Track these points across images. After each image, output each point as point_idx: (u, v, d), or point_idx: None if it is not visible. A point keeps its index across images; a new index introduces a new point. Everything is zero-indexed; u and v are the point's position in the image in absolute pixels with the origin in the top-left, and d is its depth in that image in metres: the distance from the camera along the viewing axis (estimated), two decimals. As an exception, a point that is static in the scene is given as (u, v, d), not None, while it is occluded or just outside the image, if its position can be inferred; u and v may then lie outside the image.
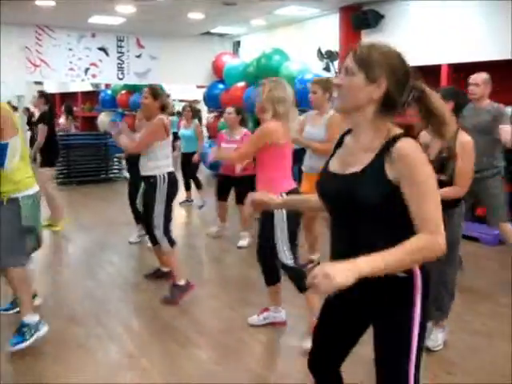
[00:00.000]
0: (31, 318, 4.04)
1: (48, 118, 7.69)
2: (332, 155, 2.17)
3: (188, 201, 9.80)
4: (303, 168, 5.62)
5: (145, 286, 5.53)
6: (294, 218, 4.00)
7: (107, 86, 16.65)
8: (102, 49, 12.65)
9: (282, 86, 4.03)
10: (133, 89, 14.27)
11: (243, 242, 6.85)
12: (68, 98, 18.33)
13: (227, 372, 3.72)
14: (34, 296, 4.70)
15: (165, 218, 5.02)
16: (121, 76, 12.97)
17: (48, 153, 7.65)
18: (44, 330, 4.11)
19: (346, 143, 2.13)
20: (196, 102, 15.35)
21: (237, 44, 13.88)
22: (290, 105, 4.06)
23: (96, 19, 11.21)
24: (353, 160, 2.00)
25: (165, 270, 5.56)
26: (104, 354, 4.04)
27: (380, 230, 1.94)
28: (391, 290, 1.97)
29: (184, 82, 14.47)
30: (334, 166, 2.09)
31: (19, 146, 4.01)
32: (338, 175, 2.03)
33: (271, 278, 4.27)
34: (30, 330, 4.02)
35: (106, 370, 3.76)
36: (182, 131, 9.41)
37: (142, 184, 5.24)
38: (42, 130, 7.53)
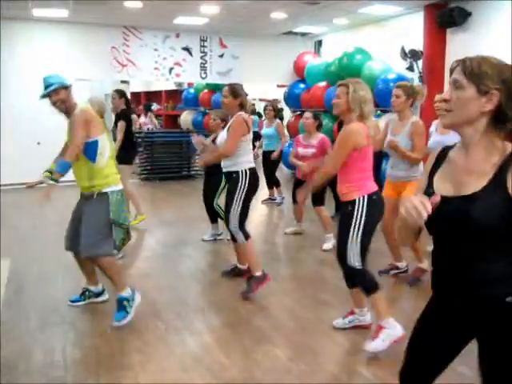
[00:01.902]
0: (126, 291, 4.39)
1: (126, 116, 7.87)
2: (432, 174, 2.05)
3: (271, 199, 9.84)
4: (387, 174, 5.52)
5: (223, 281, 5.62)
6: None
7: (190, 84, 16.98)
8: (185, 49, 12.93)
9: (365, 87, 4.01)
10: (215, 88, 14.51)
11: (328, 245, 6.74)
12: (152, 96, 18.82)
13: (302, 370, 3.74)
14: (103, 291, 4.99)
15: (242, 213, 5.13)
16: (203, 75, 13.21)
17: (126, 150, 7.85)
18: (138, 298, 4.46)
19: (452, 160, 2.00)
20: (276, 101, 15.42)
21: (318, 43, 13.84)
22: (372, 105, 4.05)
23: (181, 20, 11.47)
24: (467, 180, 1.89)
25: (242, 267, 5.64)
26: (182, 346, 4.14)
27: (496, 252, 1.87)
28: (503, 307, 1.86)
29: (265, 82, 14.58)
30: (445, 188, 1.96)
31: (107, 143, 4.27)
32: (452, 198, 1.91)
33: (352, 281, 4.20)
34: (129, 301, 4.36)
35: (183, 363, 3.85)
36: (264, 130, 9.47)
37: (223, 180, 5.36)
38: (121, 127, 7.75)
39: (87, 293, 4.92)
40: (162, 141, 13.25)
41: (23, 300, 5.04)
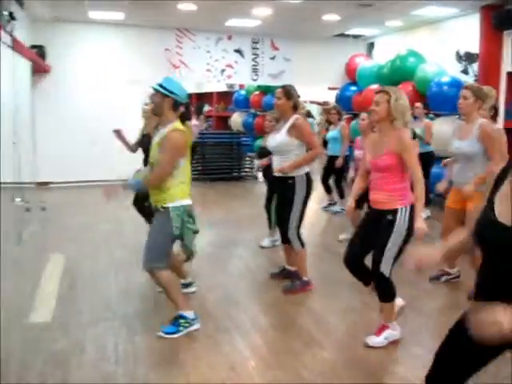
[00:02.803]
0: (188, 313, 4.32)
1: (185, 119, 7.94)
2: (493, 191, 1.99)
3: (331, 204, 9.60)
4: (454, 182, 5.25)
5: (272, 282, 5.63)
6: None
7: (241, 86, 17.08)
8: (237, 51, 13.01)
9: (404, 95, 3.99)
10: (266, 90, 14.54)
11: None
12: (203, 98, 18.99)
13: (351, 375, 3.70)
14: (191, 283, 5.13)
15: (299, 219, 5.15)
16: (255, 77, 13.27)
17: None
18: (197, 326, 4.35)
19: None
20: (326, 103, 15.34)
21: (370, 45, 13.72)
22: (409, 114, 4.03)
23: (233, 22, 11.55)
24: None
25: (291, 269, 5.63)
26: (231, 346, 4.16)
27: None
28: None
29: (316, 84, 14.52)
30: (501, 214, 1.91)
31: (184, 164, 4.25)
32: (507, 228, 1.86)
33: (368, 278, 4.22)
34: (186, 322, 4.29)
35: (232, 363, 3.86)
36: (329, 133, 9.28)
37: (279, 184, 5.31)
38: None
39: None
40: (212, 142, 13.37)
41: (76, 295, 5.17)
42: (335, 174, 9.16)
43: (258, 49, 13.19)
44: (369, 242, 4.04)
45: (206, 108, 18.05)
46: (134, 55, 11.97)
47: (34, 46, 10.73)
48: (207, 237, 7.65)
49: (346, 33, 12.82)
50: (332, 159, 9.00)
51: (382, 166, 3.95)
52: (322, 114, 17.59)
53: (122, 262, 5.00)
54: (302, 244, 5.26)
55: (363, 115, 6.81)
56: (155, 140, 4.29)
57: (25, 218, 7.68)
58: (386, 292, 4.02)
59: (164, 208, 4.15)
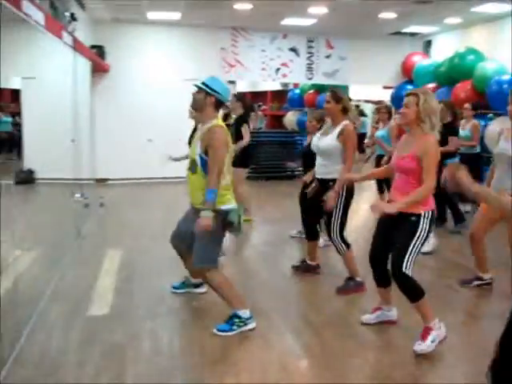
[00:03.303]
0: (243, 312, 4.33)
1: (246, 121, 8.02)
2: None
3: None
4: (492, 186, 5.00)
5: (325, 280, 5.62)
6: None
7: (295, 85, 17.05)
8: (292, 49, 13.01)
9: (433, 97, 3.95)
10: (320, 88, 14.47)
11: (426, 248, 6.56)
12: (258, 96, 19.04)
13: (399, 378, 3.67)
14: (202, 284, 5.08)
15: (342, 222, 5.14)
16: (310, 76, 13.23)
17: (243, 154, 7.99)
18: (252, 325, 4.35)
19: None
20: (381, 102, 15.18)
21: (428, 43, 13.45)
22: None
23: (288, 21, 11.55)
24: None
25: (312, 263, 5.77)
26: (283, 345, 4.16)
27: None
28: None
29: (371, 83, 14.41)
30: None
31: (227, 164, 4.28)
32: None
33: (384, 281, 4.30)
34: (240, 322, 4.30)
35: (284, 363, 3.86)
36: (378, 132, 9.20)
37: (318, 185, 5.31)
38: (245, 132, 7.87)
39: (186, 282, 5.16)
40: (267, 140, 13.41)
41: (133, 289, 5.27)
42: None
43: (313, 47, 13.14)
44: (390, 242, 4.05)
45: (261, 107, 18.08)
46: (190, 54, 12.14)
47: (93, 46, 11.01)
48: (261, 235, 7.69)
49: (403, 31, 12.63)
50: (379, 158, 8.93)
51: (404, 167, 3.96)
52: (374, 112, 17.43)
53: (176, 258, 5.06)
54: (348, 246, 5.23)
55: (395, 116, 6.72)
56: (196, 136, 4.38)
57: (84, 213, 7.90)
58: (412, 291, 3.96)
59: (217, 210, 4.15)
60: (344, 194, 5.09)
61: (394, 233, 4.01)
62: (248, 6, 10.13)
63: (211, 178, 4.12)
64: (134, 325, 4.44)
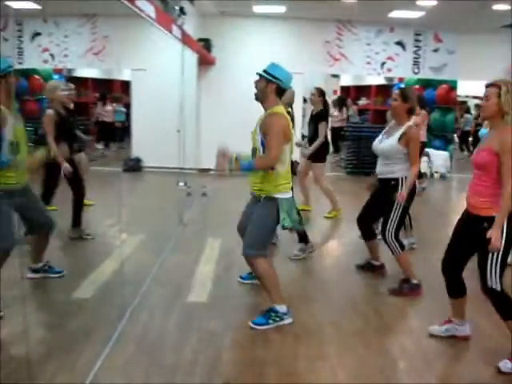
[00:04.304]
0: (281, 307, 4.35)
1: (324, 117, 7.97)
2: None
3: None
4: None
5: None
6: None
7: (400, 79, 16.66)
8: (399, 43, 12.71)
9: None
10: (426, 84, 14.06)
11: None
12: (361, 91, 18.78)
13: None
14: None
15: (399, 223, 5.00)
16: (416, 70, 12.88)
17: (321, 149, 7.97)
18: (288, 321, 4.35)
19: None
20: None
21: (544, 36, 12.75)
22: None
23: (396, 14, 11.29)
24: None
25: (376, 263, 5.64)
26: (380, 344, 4.13)
27: None
28: None
29: (480, 78, 13.77)
30: None
31: (289, 152, 4.31)
32: None
33: (457, 291, 4.00)
34: (277, 316, 4.33)
35: (380, 362, 3.83)
36: (482, 130, 8.86)
37: (382, 185, 5.17)
38: (323, 127, 7.85)
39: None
40: (368, 135, 13.20)
41: (231, 278, 5.38)
42: None
43: (420, 41, 12.78)
44: (464, 250, 3.84)
45: (363, 101, 17.84)
46: (295, 48, 12.14)
47: (201, 39, 11.27)
48: (350, 231, 7.58)
49: (517, 23, 12.03)
50: None
51: (479, 162, 3.68)
52: (475, 109, 16.76)
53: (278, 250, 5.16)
54: (402, 247, 5.07)
55: None
56: (256, 125, 4.42)
57: (186, 201, 8.14)
58: (504, 308, 3.68)
59: (269, 198, 4.21)
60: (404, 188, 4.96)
61: (469, 239, 3.79)
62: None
63: (262, 159, 4.18)
64: (231, 313, 4.54)
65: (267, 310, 4.37)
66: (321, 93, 8.01)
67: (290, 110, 5.90)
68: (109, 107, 15.12)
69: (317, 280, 5.51)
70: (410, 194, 4.97)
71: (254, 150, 4.35)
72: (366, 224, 5.54)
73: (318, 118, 7.93)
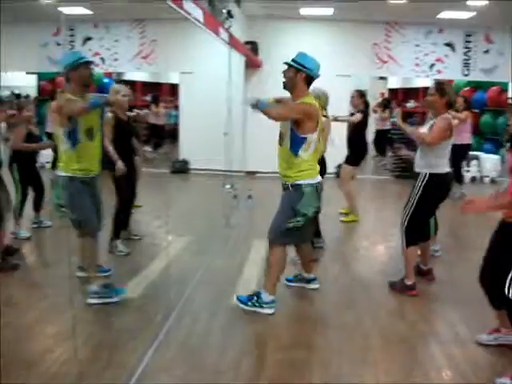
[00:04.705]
0: (267, 296, 4.47)
1: (364, 117, 7.87)
2: None
3: None
4: None
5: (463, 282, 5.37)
6: None
7: (450, 82, 16.39)
8: (448, 44, 12.49)
9: None
10: (476, 86, 13.79)
11: None
12: (409, 93, 18.54)
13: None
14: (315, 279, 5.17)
15: (412, 217, 4.91)
16: (466, 72, 12.63)
17: (356, 152, 7.88)
18: (266, 311, 4.45)
19: None
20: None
21: None
22: None
23: (445, 14, 11.10)
24: None
25: (423, 268, 5.52)
26: (426, 352, 4.06)
27: None
28: None
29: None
30: None
31: (316, 141, 4.38)
32: None
33: (499, 303, 3.80)
34: (257, 301, 4.47)
35: (428, 371, 3.75)
36: None
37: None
38: (357, 117, 7.77)
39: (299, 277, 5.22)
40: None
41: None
42: None
43: (470, 42, 12.53)
44: (498, 260, 3.68)
45: (412, 104, 17.60)
46: (341, 50, 12.07)
47: (247, 42, 11.32)
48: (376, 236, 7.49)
49: None
50: None
51: (508, 164, 3.58)
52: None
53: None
54: (408, 243, 4.98)
55: None
56: None
57: (233, 204, 8.18)
58: None
59: (295, 185, 4.38)
60: (421, 186, 4.86)
61: (504, 248, 3.67)
62: (403, 0, 9.90)
63: (272, 107, 4.44)
64: (275, 317, 4.52)
65: (253, 293, 4.53)
66: (361, 95, 7.94)
67: (324, 112, 5.83)
68: (161, 110, 15.20)
69: (361, 283, 5.46)
70: (437, 186, 4.89)
71: (281, 134, 4.54)
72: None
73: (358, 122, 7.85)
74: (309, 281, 5.17)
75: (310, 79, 4.39)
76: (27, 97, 10.40)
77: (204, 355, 3.82)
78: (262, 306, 4.48)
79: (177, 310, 4.54)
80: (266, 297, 4.48)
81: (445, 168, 4.91)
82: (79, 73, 4.45)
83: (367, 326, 4.41)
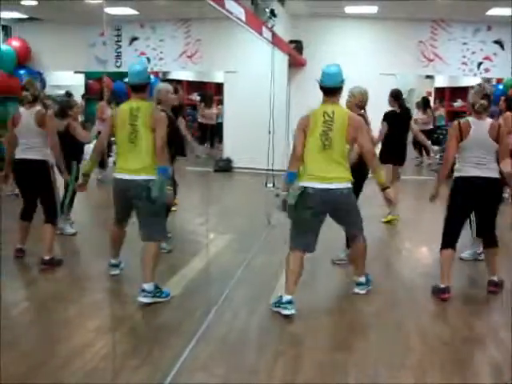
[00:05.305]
0: (285, 297, 4.48)
1: (390, 118, 7.70)
2: None
3: None
4: None
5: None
6: None
7: (499, 80, 16.01)
8: (497, 42, 12.20)
9: None
10: (526, 84, 13.45)
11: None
12: (456, 92, 18.18)
13: None
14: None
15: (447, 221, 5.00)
16: (516, 70, 12.34)
17: (386, 151, 7.73)
18: (286, 312, 4.41)
19: None
20: None
21: None
22: None
23: (494, 11, 10.86)
24: None
25: (495, 279, 5.20)
26: (469, 357, 3.99)
27: None
28: None
29: None
30: None
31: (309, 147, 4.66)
32: None
33: None
34: (279, 303, 4.48)
35: (467, 378, 3.67)
36: None
37: None
38: (384, 127, 7.61)
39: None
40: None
41: (315, 280, 5.39)
42: None
43: (520, 39, 12.23)
44: None
45: (459, 103, 17.26)
46: (386, 48, 11.95)
47: (292, 41, 11.31)
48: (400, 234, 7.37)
49: None
50: None
51: None
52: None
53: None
54: (442, 246, 4.97)
55: None
56: None
57: (274, 203, 8.17)
58: None
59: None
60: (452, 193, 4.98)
61: None
62: (450, -1, 9.77)
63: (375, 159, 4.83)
64: (312, 318, 4.50)
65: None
66: (395, 95, 7.77)
67: (362, 112, 5.70)
68: (214, 110, 15.06)
69: (404, 285, 5.38)
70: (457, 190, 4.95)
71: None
72: None
73: (384, 119, 7.72)
74: (357, 284, 5.11)
75: (321, 89, 4.74)
76: (70, 95, 10.66)
77: (241, 353, 3.83)
78: (280, 307, 4.49)
79: (216, 307, 4.57)
80: (285, 298, 4.49)
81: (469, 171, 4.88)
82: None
83: (408, 328, 4.34)
